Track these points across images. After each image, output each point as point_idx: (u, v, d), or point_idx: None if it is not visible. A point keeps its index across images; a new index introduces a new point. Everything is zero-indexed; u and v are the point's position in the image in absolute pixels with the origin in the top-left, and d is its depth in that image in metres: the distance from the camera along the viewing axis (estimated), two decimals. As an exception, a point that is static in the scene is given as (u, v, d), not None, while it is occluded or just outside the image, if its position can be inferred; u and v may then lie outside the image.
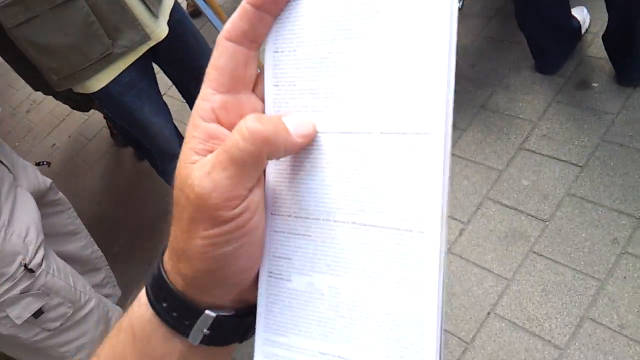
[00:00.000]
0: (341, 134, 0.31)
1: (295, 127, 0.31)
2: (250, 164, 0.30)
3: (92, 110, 2.66)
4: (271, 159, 0.31)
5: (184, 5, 3.40)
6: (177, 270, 0.33)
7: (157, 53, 1.81)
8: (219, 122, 0.32)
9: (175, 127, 2.05)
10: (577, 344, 1.64)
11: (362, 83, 0.30)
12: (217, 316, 0.33)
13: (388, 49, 0.29)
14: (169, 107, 2.01)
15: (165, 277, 0.33)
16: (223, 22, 2.17)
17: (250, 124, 0.29)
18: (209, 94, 0.32)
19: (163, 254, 0.34)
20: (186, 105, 2.31)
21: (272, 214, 0.34)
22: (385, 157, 0.30)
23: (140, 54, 1.72)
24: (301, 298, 0.33)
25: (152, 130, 1.90)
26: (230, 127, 0.32)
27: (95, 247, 2.01)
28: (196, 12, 3.15)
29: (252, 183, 0.31)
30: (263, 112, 0.34)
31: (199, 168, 0.30)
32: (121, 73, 1.70)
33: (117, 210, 2.85)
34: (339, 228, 0.32)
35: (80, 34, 1.57)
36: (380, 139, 0.30)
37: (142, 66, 1.78)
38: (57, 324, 1.55)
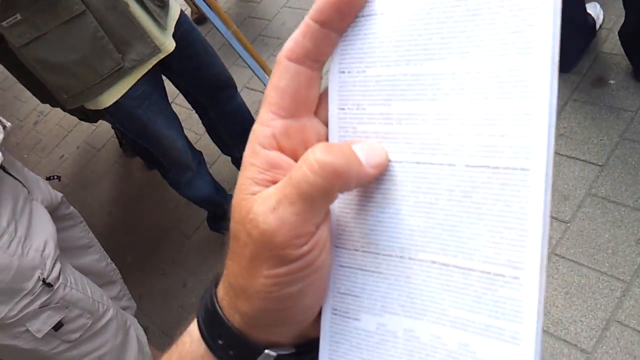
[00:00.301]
0: (417, 164, 0.28)
1: (367, 156, 0.28)
2: (319, 199, 0.27)
3: (99, 121, 2.64)
4: (342, 192, 0.28)
5: (188, 12, 3.40)
6: (235, 307, 0.31)
7: (166, 65, 1.80)
8: (280, 149, 0.30)
9: (187, 138, 2.04)
10: (604, 347, 1.60)
11: (444, 109, 0.27)
12: (277, 355, 0.31)
13: (476, 73, 0.26)
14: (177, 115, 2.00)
15: (221, 313, 0.31)
16: (229, 27, 2.14)
17: (319, 155, 0.27)
18: (268, 119, 0.30)
19: (216, 285, 0.32)
20: (194, 113, 2.29)
21: (336, 246, 0.31)
22: (471, 192, 0.27)
23: (150, 66, 1.71)
24: (371, 340, 0.30)
25: (165, 142, 1.89)
26: (292, 155, 0.30)
27: (109, 260, 1.99)
28: (201, 19, 3.15)
29: (320, 219, 0.28)
30: (327, 137, 0.31)
31: (262, 202, 0.28)
32: (132, 86, 1.69)
33: (128, 221, 2.83)
34: (416, 267, 0.29)
35: (90, 49, 1.56)
36: (465, 173, 0.27)
37: (153, 78, 1.77)
38: (77, 335, 1.55)
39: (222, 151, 2.38)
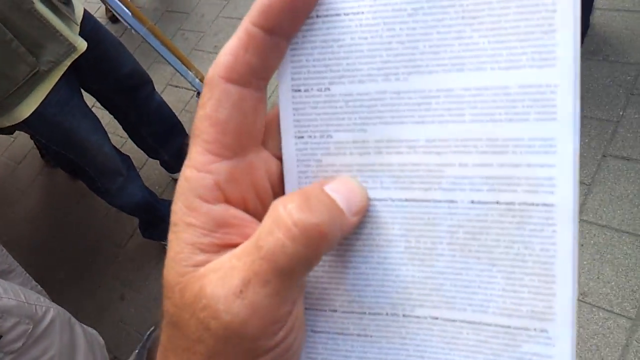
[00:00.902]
0: (405, 202, 0.23)
1: (347, 200, 0.23)
2: (301, 271, 0.22)
3: (16, 132, 2.48)
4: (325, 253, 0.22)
5: (102, 10, 3.25)
6: None
7: (77, 68, 1.68)
8: (226, 200, 0.23)
9: (111, 142, 1.94)
10: None
11: (437, 134, 0.22)
12: None
13: (477, 90, 0.21)
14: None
15: None
16: (144, 24, 2.02)
17: (298, 215, 0.21)
18: (206, 162, 0.23)
19: None
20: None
21: (307, 309, 0.26)
22: (480, 234, 0.22)
23: (65, 68, 1.59)
24: None
25: (91, 149, 1.78)
26: (241, 204, 0.24)
27: (33, 282, 1.89)
28: (116, 18, 2.99)
29: (298, 294, 0.23)
30: (280, 175, 0.25)
31: (220, 283, 0.21)
32: (51, 91, 1.57)
33: (57, 235, 2.69)
34: (413, 325, 0.24)
35: (0, 56, 1.42)
36: (470, 211, 0.22)
37: (69, 82, 1.65)
38: (20, 343, 1.45)
39: (148, 154, 2.28)
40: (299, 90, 0.24)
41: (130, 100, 1.99)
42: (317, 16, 0.23)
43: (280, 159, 0.26)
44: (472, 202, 0.22)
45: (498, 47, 0.21)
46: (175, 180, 2.13)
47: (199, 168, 0.23)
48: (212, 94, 0.23)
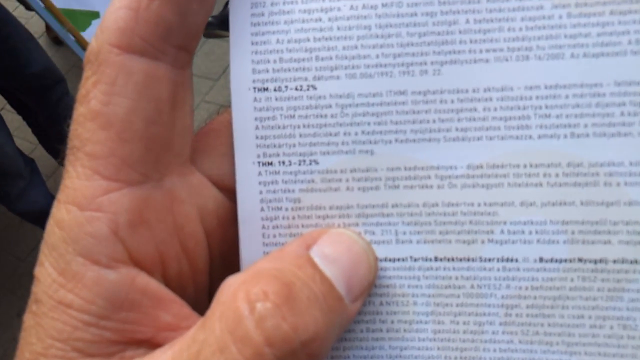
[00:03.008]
0: (437, 262, 0.16)
1: (346, 277, 0.15)
2: None
3: None
4: None
5: (44, 36, 3.07)
6: None
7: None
8: (131, 259, 0.15)
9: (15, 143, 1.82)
10: None
11: (485, 157, 0.15)
12: None
13: (550, 88, 0.15)
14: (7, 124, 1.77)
15: None
16: (63, 25, 1.92)
17: (275, 325, 0.13)
18: (97, 193, 0.14)
19: None
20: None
21: None
22: (552, 308, 0.15)
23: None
24: None
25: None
26: (155, 266, 0.15)
27: None
28: (58, 40, 2.81)
29: None
30: (222, 212, 0.17)
31: None
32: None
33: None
34: None
35: None
36: (538, 273, 0.15)
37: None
38: None
39: (57, 160, 2.17)
40: (265, 90, 0.16)
41: (40, 101, 1.88)
42: None
43: (221, 185, 0.17)
44: (541, 260, 0.15)
45: (584, 24, 0.14)
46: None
47: (82, 204, 0.14)
48: (100, 75, 0.14)
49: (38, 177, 1.96)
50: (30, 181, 1.88)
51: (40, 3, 1.78)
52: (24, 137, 2.20)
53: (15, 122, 2.05)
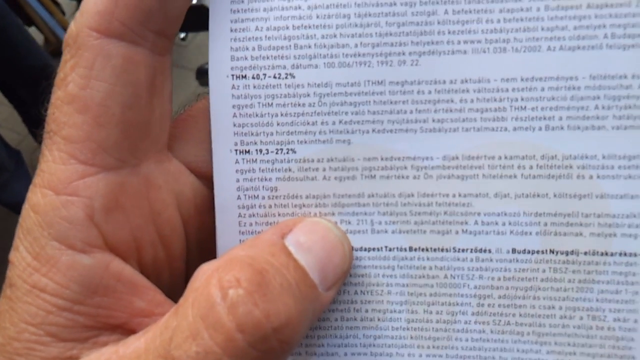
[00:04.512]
0: (412, 252, 0.16)
1: (320, 265, 0.15)
2: None
3: None
4: None
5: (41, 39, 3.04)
6: None
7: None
8: (106, 244, 0.15)
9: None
10: None
11: (461, 148, 0.15)
12: None
13: (524, 80, 0.15)
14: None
15: None
16: (57, 19, 1.91)
17: (246, 312, 0.13)
18: (72, 177, 0.15)
19: None
20: (15, 111, 2.04)
21: None
22: (523, 299, 0.15)
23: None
24: None
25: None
26: (131, 252, 0.15)
27: None
28: (58, 51, 2.76)
29: None
30: (199, 199, 0.17)
31: None
32: None
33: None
34: None
35: None
36: (511, 264, 0.15)
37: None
38: None
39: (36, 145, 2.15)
40: (243, 77, 0.16)
41: (34, 94, 1.87)
42: None
43: (198, 172, 0.17)
44: (514, 251, 0.15)
45: (561, 17, 0.14)
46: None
47: (58, 188, 0.14)
48: (78, 59, 0.15)
49: (23, 169, 1.93)
50: (14, 173, 1.86)
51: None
52: (11, 127, 2.17)
53: (2, 113, 2.03)
